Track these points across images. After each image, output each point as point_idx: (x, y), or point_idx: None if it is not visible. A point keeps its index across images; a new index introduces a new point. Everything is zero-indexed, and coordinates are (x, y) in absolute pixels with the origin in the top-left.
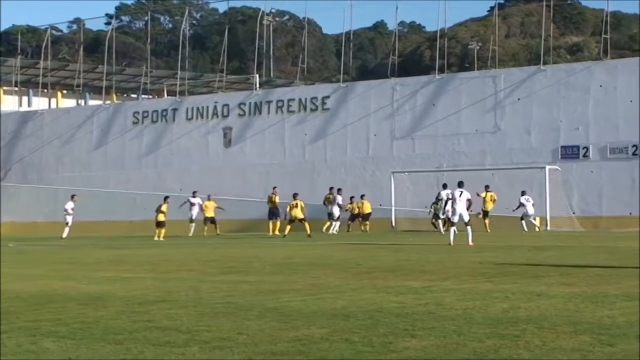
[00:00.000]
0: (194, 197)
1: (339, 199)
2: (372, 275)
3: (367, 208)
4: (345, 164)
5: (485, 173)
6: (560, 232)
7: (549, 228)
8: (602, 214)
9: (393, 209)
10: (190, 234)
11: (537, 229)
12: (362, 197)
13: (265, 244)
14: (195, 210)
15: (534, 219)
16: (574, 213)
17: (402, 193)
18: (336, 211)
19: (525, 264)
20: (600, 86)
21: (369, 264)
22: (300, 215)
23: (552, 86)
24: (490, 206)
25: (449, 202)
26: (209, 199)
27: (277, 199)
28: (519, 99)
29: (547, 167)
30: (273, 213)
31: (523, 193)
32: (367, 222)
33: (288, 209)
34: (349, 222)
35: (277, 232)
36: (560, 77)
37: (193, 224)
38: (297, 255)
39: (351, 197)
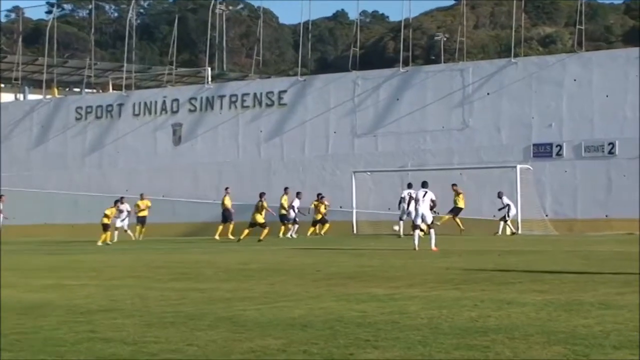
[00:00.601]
0: (122, 203)
1: (297, 202)
2: (332, 282)
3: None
4: (304, 162)
5: (453, 172)
6: (532, 236)
7: (520, 231)
8: (576, 217)
9: (354, 211)
10: (134, 238)
11: (499, 234)
12: (319, 197)
13: (218, 249)
14: (122, 218)
15: (508, 223)
16: (546, 215)
17: (364, 194)
18: (293, 214)
19: (494, 269)
20: (575, 80)
21: (329, 270)
22: (262, 220)
23: (523, 80)
24: (462, 204)
25: (412, 203)
26: (141, 198)
27: (227, 201)
28: (488, 94)
29: (519, 166)
30: (224, 216)
31: (500, 194)
32: (318, 226)
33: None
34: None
35: (230, 236)
36: (532, 70)
37: (128, 231)
38: (252, 260)
39: (320, 196)
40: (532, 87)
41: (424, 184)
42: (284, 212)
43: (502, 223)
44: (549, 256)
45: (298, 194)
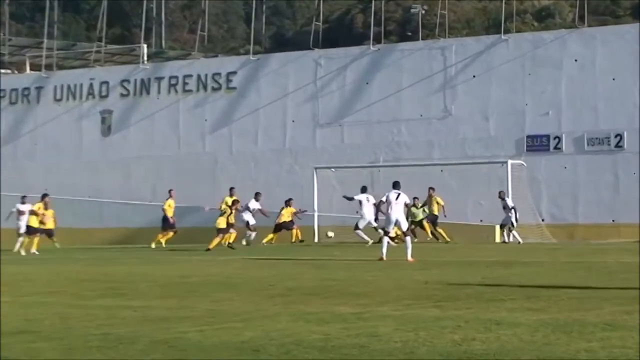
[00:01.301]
0: (23, 203)
1: (256, 204)
2: (289, 299)
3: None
4: (256, 157)
5: (433, 169)
6: (526, 244)
7: (511, 239)
8: (578, 222)
9: (316, 214)
10: (16, 250)
11: (507, 241)
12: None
13: (155, 259)
14: (24, 221)
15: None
16: (543, 220)
17: (328, 194)
18: (250, 218)
19: (481, 284)
20: (576, 60)
21: (285, 285)
22: (223, 225)
23: (515, 60)
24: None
25: (383, 207)
26: (43, 201)
27: (168, 207)
28: (474, 77)
29: (510, 161)
30: (163, 223)
31: (502, 194)
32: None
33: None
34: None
35: (162, 242)
36: (525, 49)
37: (21, 238)
38: (195, 273)
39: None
40: (525, 69)
41: (396, 185)
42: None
43: (506, 230)
44: (546, 268)
45: (257, 196)
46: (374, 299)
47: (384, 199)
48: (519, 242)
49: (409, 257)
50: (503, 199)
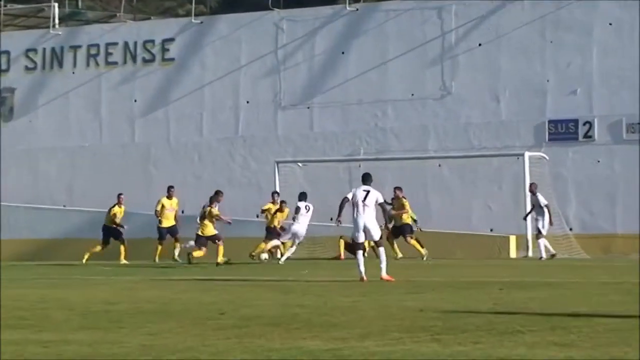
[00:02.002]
0: None
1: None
2: (245, 331)
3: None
4: (201, 148)
5: (428, 164)
6: (550, 260)
7: (530, 253)
8: (615, 231)
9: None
10: None
11: (544, 257)
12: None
13: (73, 281)
14: None
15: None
16: (570, 229)
17: (293, 196)
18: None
19: (492, 311)
20: (610, 24)
21: (240, 313)
22: (212, 231)
23: (533, 24)
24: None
25: (354, 210)
26: None
27: (117, 216)
28: (480, 45)
29: (527, 154)
30: (108, 233)
31: (533, 188)
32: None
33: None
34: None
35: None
36: (545, 10)
37: None
38: (124, 298)
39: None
40: (545, 36)
41: (366, 178)
42: (165, 223)
43: (541, 241)
44: (576, 291)
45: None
46: (354, 330)
47: (349, 195)
48: (541, 257)
49: (384, 274)
50: (534, 194)
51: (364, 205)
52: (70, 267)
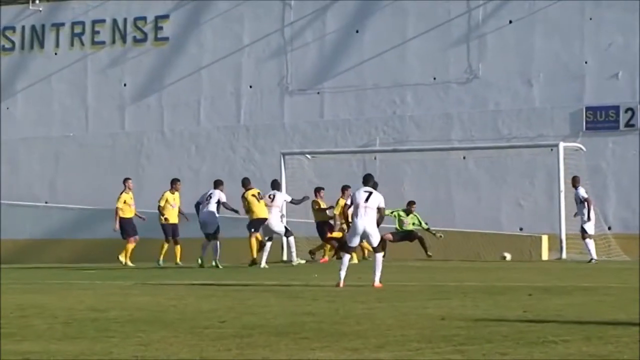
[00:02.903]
0: None
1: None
2: (247, 341)
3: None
4: (198, 138)
5: (452, 156)
6: (586, 263)
7: (564, 255)
8: None
9: (285, 220)
10: None
11: (595, 259)
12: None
13: (55, 286)
14: None
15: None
16: (609, 228)
17: (301, 190)
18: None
19: (522, 319)
20: None
21: (242, 321)
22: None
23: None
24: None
25: (350, 211)
26: None
27: (127, 203)
28: (510, 22)
29: (562, 144)
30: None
31: (576, 182)
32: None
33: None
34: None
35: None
36: None
37: None
38: (113, 304)
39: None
40: (584, 12)
41: (367, 180)
42: (165, 220)
43: (589, 241)
44: (614, 297)
45: (218, 185)
46: (369, 340)
47: (348, 200)
48: (591, 260)
49: (377, 282)
50: (576, 188)
51: (365, 207)
52: (51, 270)
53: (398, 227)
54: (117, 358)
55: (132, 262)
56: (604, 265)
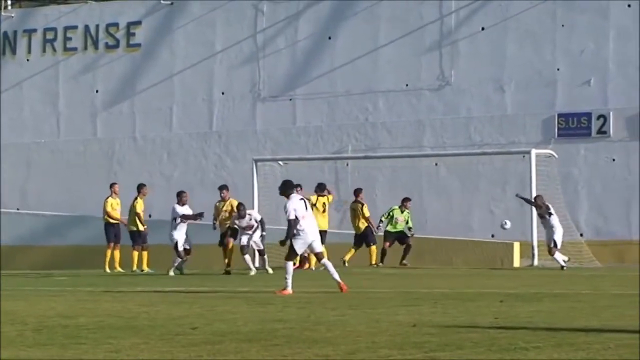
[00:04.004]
0: None
1: (181, 209)
2: (219, 348)
3: None
4: (170, 144)
5: (424, 162)
6: (558, 270)
7: (535, 262)
8: (631, 238)
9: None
10: None
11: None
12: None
13: (25, 292)
14: None
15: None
16: (581, 235)
17: (273, 197)
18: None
19: (493, 326)
20: (629, 6)
21: (213, 328)
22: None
23: (542, 5)
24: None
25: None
26: None
27: (113, 207)
28: (483, 29)
29: (535, 151)
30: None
31: (536, 204)
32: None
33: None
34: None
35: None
36: None
37: None
38: (83, 311)
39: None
40: (556, 19)
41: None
42: (134, 227)
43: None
44: (586, 304)
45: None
46: (340, 347)
47: (297, 214)
48: (563, 267)
49: (343, 286)
50: (540, 207)
51: (311, 215)
52: (22, 277)
53: (391, 227)
54: None
55: (121, 267)
56: (575, 272)
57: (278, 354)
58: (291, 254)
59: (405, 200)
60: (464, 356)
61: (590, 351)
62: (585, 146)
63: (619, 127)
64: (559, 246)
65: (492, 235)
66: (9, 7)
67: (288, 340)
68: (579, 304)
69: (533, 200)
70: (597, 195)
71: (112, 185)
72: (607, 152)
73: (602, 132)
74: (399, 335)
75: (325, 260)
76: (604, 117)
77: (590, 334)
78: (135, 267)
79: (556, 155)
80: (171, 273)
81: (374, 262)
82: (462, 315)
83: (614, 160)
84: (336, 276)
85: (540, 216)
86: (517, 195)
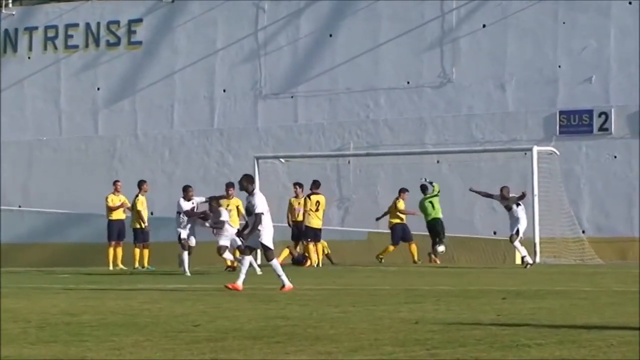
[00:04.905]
0: None
1: (186, 204)
2: (222, 345)
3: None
4: (172, 142)
5: (426, 160)
6: (560, 266)
7: (538, 259)
8: (633, 234)
9: None
10: None
11: (526, 262)
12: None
13: (27, 290)
14: None
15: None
16: (583, 232)
17: (275, 194)
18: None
19: (495, 323)
20: (630, 3)
21: (216, 325)
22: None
23: (543, 3)
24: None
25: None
26: None
27: (114, 202)
28: (484, 27)
29: (536, 148)
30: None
31: (502, 195)
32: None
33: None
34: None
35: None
36: None
37: None
38: (86, 308)
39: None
40: (557, 16)
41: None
42: (137, 224)
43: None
44: (588, 300)
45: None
46: (343, 344)
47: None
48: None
49: (287, 284)
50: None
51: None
52: (24, 274)
53: (429, 214)
54: None
55: (123, 264)
56: (578, 269)
57: (281, 351)
58: (250, 248)
59: (428, 183)
60: (467, 353)
61: (592, 348)
62: (587, 143)
63: (620, 125)
64: (520, 235)
65: (494, 233)
66: (10, 5)
67: (291, 338)
68: (581, 301)
69: (499, 193)
70: (599, 192)
71: (114, 183)
72: (609, 149)
73: (603, 129)
74: (401, 333)
75: (274, 261)
76: (605, 115)
77: (592, 331)
78: (137, 265)
79: (558, 153)
80: (187, 273)
81: (416, 259)
82: (465, 312)
83: (615, 157)
84: (283, 277)
85: (507, 208)
86: (470, 189)
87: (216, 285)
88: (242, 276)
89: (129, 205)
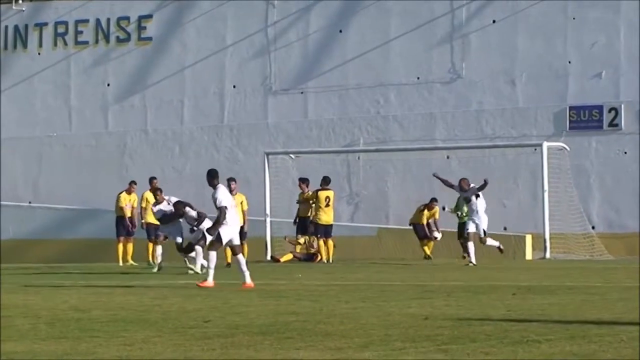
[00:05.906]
0: None
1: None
2: (232, 341)
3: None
4: (182, 138)
5: (435, 155)
6: (570, 262)
7: (548, 255)
8: None
9: (268, 219)
10: None
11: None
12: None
13: (37, 286)
14: None
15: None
16: (593, 228)
17: (285, 191)
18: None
19: (506, 318)
20: None
21: (226, 321)
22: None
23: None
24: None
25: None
26: None
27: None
28: (494, 22)
29: (546, 144)
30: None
31: (460, 186)
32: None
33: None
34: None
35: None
36: None
37: None
38: (97, 304)
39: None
40: (567, 12)
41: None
42: (149, 219)
43: (470, 244)
44: (598, 296)
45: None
46: (353, 340)
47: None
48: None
49: (247, 281)
50: (465, 190)
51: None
52: (35, 270)
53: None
54: (101, 358)
55: (133, 260)
56: (587, 265)
57: (291, 347)
58: (215, 243)
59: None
60: (477, 349)
61: (602, 344)
62: (597, 139)
63: (630, 120)
64: (486, 232)
65: (505, 228)
66: (20, 1)
67: (301, 333)
68: (591, 296)
69: (458, 184)
70: (609, 188)
71: (130, 183)
72: (619, 144)
73: (613, 124)
74: (411, 328)
75: (240, 256)
76: (615, 110)
77: (602, 326)
78: (151, 259)
79: (568, 148)
80: (155, 269)
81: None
82: (475, 307)
83: (625, 153)
84: (246, 274)
85: (466, 200)
86: (434, 174)
87: (225, 281)
88: (211, 272)
89: (135, 206)
